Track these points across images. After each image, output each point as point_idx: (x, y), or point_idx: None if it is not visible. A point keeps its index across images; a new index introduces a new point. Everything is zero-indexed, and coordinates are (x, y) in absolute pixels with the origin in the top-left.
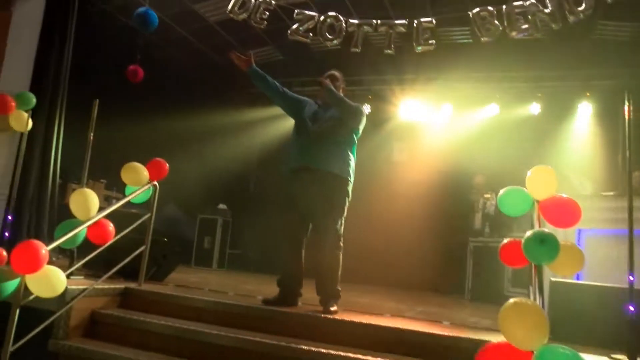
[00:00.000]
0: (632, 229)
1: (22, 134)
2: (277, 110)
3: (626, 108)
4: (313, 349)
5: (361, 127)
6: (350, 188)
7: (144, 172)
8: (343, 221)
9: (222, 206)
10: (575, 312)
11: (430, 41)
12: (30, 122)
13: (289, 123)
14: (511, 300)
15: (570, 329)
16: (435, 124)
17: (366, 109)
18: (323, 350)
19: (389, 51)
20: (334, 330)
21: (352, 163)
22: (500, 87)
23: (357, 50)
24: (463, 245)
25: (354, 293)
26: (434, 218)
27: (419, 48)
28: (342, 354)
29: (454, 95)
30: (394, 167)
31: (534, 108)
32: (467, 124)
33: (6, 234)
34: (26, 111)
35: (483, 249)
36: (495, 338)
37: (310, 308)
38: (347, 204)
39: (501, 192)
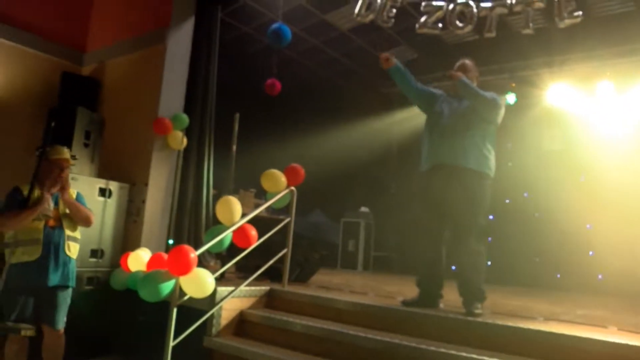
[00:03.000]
0: None
1: (178, 151)
2: (414, 110)
3: None
4: (453, 352)
5: (499, 119)
6: (489, 182)
7: (281, 178)
8: (484, 218)
9: (364, 209)
10: None
11: (576, 13)
12: (185, 140)
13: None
14: None
15: None
16: (591, 106)
17: (511, 98)
18: (464, 354)
19: (528, 31)
20: (477, 333)
21: (492, 157)
22: None
23: (491, 35)
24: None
25: (503, 295)
26: (601, 210)
27: (563, 23)
28: (486, 359)
29: (613, 73)
30: (546, 157)
31: None
32: (633, 102)
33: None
34: (181, 131)
35: None
36: None
37: (452, 310)
38: (487, 199)
39: None
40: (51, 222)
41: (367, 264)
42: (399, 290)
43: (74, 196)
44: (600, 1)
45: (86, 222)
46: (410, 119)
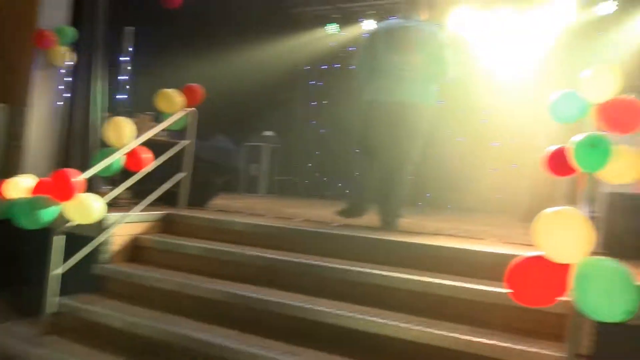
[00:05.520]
0: None
1: (66, 70)
2: (322, 32)
3: None
4: (345, 267)
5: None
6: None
7: (177, 97)
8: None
9: (268, 133)
10: (635, 227)
11: None
12: (72, 57)
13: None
14: (549, 210)
15: (630, 245)
16: (490, 32)
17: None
18: (356, 269)
19: None
20: (365, 248)
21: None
22: None
23: None
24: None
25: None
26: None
27: None
28: (368, 270)
29: None
30: (448, 87)
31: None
32: (536, 27)
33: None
34: (67, 45)
35: None
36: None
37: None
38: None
39: (552, 97)
40: None
41: (270, 188)
42: (302, 212)
43: None
44: None
45: None
46: (318, 40)
